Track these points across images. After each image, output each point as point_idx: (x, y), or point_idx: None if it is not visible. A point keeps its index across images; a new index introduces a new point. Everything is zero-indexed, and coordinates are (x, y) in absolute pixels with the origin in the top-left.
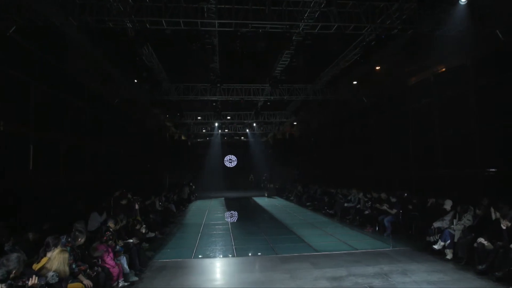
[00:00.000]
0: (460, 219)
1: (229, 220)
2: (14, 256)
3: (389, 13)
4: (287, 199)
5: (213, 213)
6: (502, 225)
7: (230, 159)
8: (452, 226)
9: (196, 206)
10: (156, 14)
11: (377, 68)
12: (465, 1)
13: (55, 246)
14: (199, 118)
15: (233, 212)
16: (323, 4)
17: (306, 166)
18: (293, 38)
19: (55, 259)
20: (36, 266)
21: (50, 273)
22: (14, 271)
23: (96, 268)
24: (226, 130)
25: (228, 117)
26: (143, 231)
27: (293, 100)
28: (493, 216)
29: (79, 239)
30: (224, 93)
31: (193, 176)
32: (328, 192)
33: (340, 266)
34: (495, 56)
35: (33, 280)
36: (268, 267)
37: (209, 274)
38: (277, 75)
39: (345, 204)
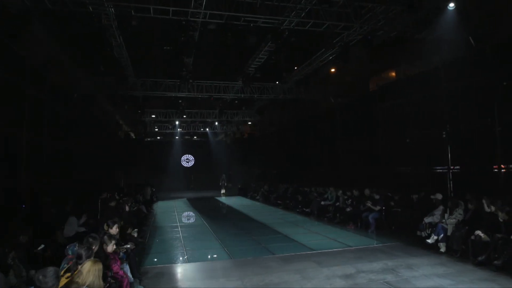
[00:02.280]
0: (451, 214)
1: (205, 221)
2: (51, 271)
3: (375, 14)
4: (253, 198)
5: (183, 214)
6: (500, 218)
7: (187, 159)
8: (444, 220)
9: (161, 207)
10: (145, 1)
11: (349, 68)
12: (453, 7)
13: (89, 257)
14: (153, 116)
15: (205, 212)
16: (315, 1)
17: (268, 165)
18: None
19: (90, 272)
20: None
21: None
22: None
23: (108, 279)
24: (185, 130)
25: (184, 116)
26: (135, 235)
27: (261, 98)
28: (487, 210)
29: (93, 246)
30: (194, 90)
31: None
32: (301, 191)
33: (345, 263)
34: (466, 61)
35: None
36: (274, 267)
37: (215, 278)
38: (251, 72)
39: (322, 202)
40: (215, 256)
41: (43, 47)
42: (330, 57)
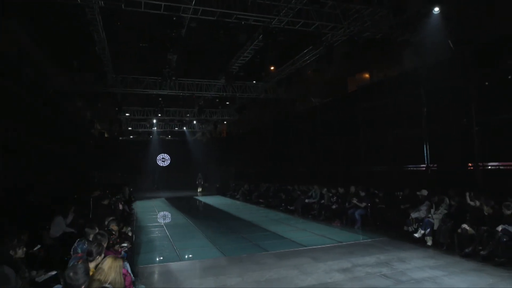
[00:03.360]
0: (437, 209)
1: (190, 220)
2: (81, 268)
3: (362, 16)
4: (232, 197)
5: (165, 213)
6: (485, 212)
7: (163, 158)
8: (430, 215)
9: (140, 207)
10: None
11: (330, 69)
12: (438, 11)
13: (99, 254)
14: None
15: (186, 212)
16: (305, 1)
17: (247, 164)
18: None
19: (112, 269)
20: None
21: (107, 286)
22: (83, 286)
23: None
24: (162, 128)
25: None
26: (130, 233)
27: (241, 97)
28: (471, 203)
29: (103, 243)
30: (176, 88)
31: (123, 176)
32: (284, 189)
33: (339, 258)
34: (446, 63)
35: None
36: (270, 264)
37: (214, 275)
38: (234, 70)
39: (306, 200)
40: (208, 254)
41: (16, 39)
42: (314, 57)
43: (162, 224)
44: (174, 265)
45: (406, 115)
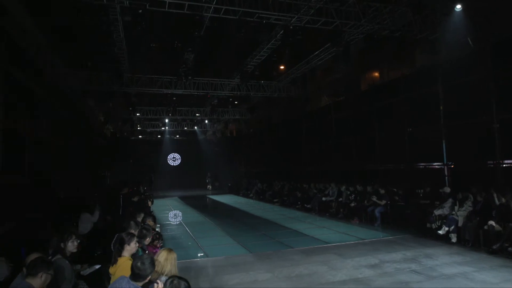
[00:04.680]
0: (461, 206)
1: (208, 218)
2: (147, 258)
3: (382, 14)
4: (245, 196)
5: (182, 212)
6: None
7: (173, 157)
8: (454, 212)
9: (155, 205)
10: None
11: (344, 67)
12: (460, 8)
13: (129, 244)
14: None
15: (202, 210)
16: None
17: (259, 163)
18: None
19: (168, 261)
20: (114, 269)
21: (163, 278)
22: (149, 278)
23: None
24: (173, 128)
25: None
26: (158, 230)
27: (254, 96)
28: (497, 201)
29: (147, 238)
30: (190, 87)
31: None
32: (299, 187)
33: (365, 255)
34: (465, 59)
35: (160, 285)
36: (298, 260)
37: (244, 271)
38: (249, 69)
39: (323, 198)
40: (234, 251)
41: (34, 38)
42: (329, 56)
43: (181, 222)
44: (202, 262)
45: (423, 112)
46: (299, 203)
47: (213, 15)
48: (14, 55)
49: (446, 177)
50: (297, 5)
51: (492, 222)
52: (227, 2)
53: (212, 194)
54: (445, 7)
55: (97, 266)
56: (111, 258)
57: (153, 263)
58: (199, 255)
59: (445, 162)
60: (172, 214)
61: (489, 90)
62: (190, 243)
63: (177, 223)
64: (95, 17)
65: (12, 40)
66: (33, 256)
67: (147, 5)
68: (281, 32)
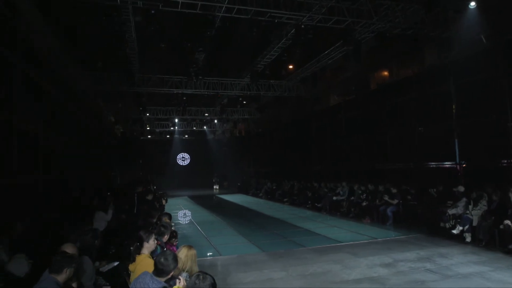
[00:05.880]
0: (476, 205)
1: (219, 217)
2: (170, 254)
3: (393, 12)
4: (255, 195)
5: (192, 211)
6: None
7: (183, 157)
8: (468, 212)
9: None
10: None
11: (354, 66)
12: (474, 5)
13: (147, 241)
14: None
15: (213, 210)
16: None
17: (268, 162)
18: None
19: (188, 257)
20: (133, 266)
21: (184, 274)
22: (171, 273)
23: None
24: (182, 128)
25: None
26: (173, 228)
27: (263, 96)
28: None
29: (165, 236)
30: (201, 87)
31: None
32: (310, 187)
33: (378, 254)
34: (477, 57)
35: (182, 281)
36: (311, 259)
37: (258, 269)
38: (259, 68)
39: (334, 198)
40: (246, 249)
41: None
42: (340, 54)
43: (192, 221)
44: (216, 260)
45: (433, 111)
46: (309, 202)
47: (225, 14)
48: (28, 56)
49: (459, 176)
50: (309, 3)
51: (508, 222)
52: (239, 1)
53: (221, 193)
54: (458, 4)
55: (116, 263)
56: (125, 255)
57: (175, 259)
58: (211, 253)
59: (457, 161)
60: (183, 213)
61: (503, 88)
62: (203, 242)
63: (188, 222)
64: (107, 17)
65: (24, 40)
66: (67, 246)
67: (160, 5)
68: (292, 31)
